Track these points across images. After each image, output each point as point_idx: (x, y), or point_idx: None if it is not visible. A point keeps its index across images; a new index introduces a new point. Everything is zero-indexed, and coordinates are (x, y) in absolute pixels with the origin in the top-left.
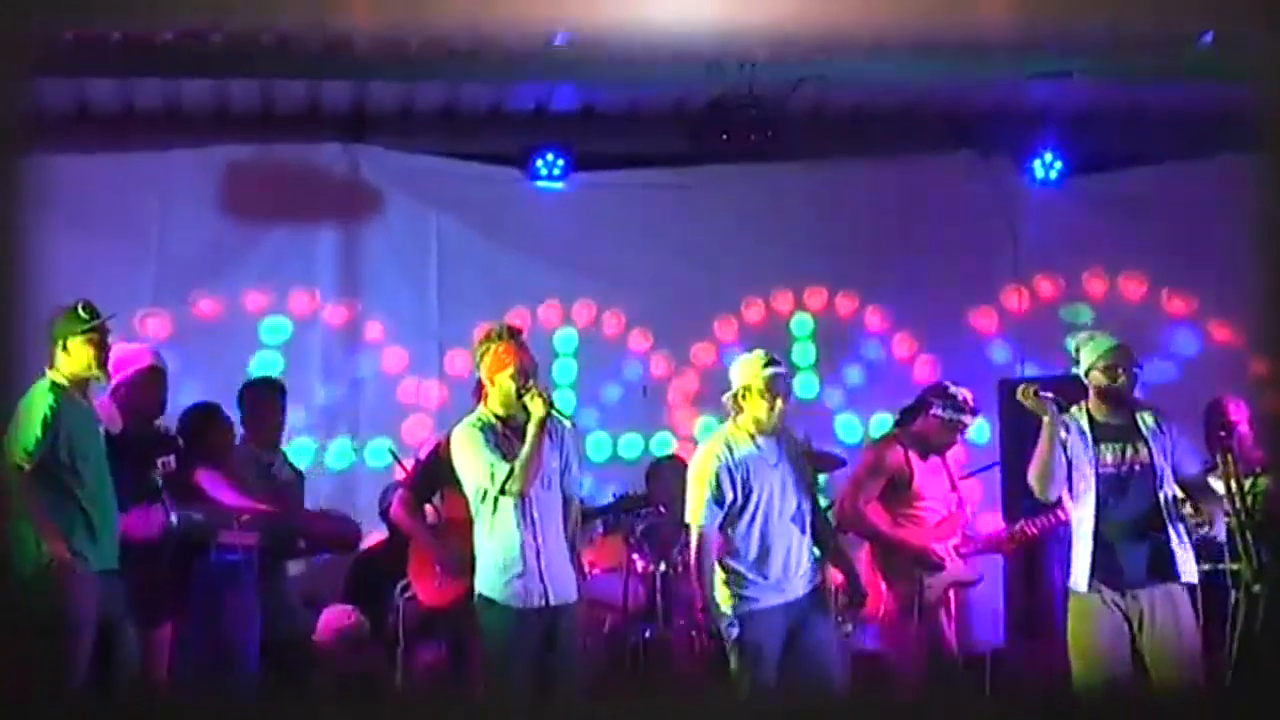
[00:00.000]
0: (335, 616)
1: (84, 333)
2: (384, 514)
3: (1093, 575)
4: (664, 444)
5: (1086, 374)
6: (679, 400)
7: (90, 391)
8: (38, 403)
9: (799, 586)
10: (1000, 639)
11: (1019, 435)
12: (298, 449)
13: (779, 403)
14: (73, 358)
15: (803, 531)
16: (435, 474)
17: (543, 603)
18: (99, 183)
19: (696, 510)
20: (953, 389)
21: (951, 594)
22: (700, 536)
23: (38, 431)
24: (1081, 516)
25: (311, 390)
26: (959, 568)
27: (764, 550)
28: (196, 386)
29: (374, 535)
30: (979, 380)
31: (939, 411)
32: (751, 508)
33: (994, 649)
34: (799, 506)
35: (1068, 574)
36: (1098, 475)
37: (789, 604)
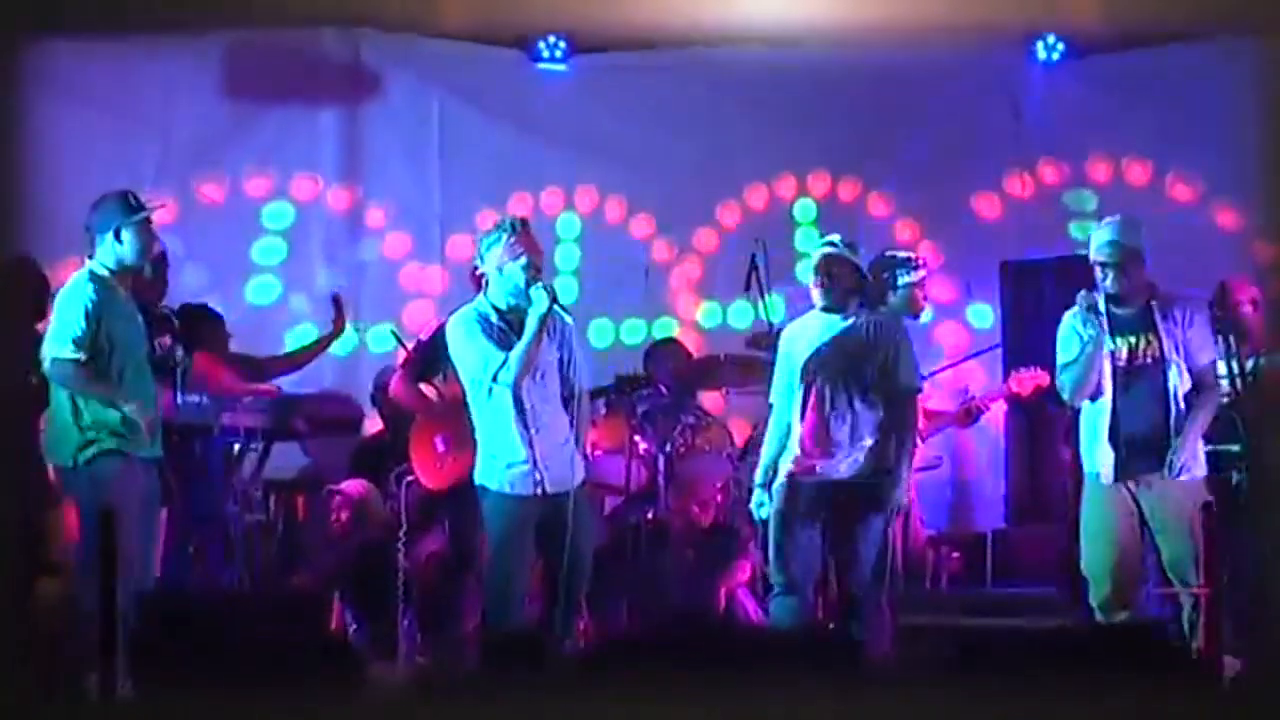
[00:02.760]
0: (352, 485)
1: (133, 223)
2: (375, 398)
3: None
4: (666, 329)
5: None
6: (681, 286)
7: (129, 282)
8: (78, 295)
9: (843, 468)
10: (1002, 522)
11: (1020, 318)
12: (300, 336)
13: (826, 279)
14: (122, 247)
15: (850, 411)
16: (437, 355)
17: (539, 491)
18: (99, 66)
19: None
20: (900, 254)
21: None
22: (772, 414)
23: (81, 323)
24: (1099, 408)
25: (314, 276)
26: (921, 453)
27: (815, 424)
28: (200, 272)
29: (375, 422)
30: (982, 267)
31: (908, 278)
32: (804, 382)
33: (995, 531)
34: (855, 387)
35: (1072, 456)
36: (1113, 368)
37: (829, 483)
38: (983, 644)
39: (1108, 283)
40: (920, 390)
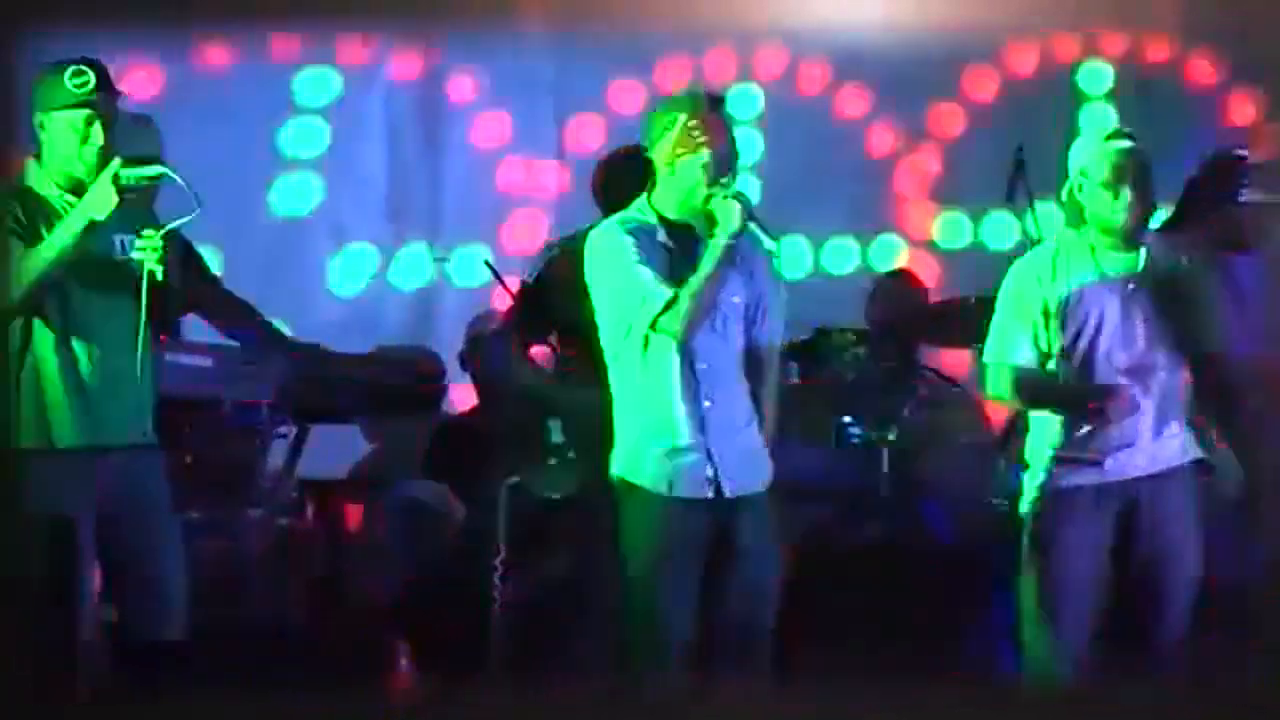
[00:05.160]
0: (420, 488)
1: (70, 106)
2: (467, 358)
3: None
4: (887, 251)
5: None
6: (911, 188)
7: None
8: None
9: (1141, 460)
10: None
11: None
12: (351, 261)
13: (1127, 194)
14: (55, 143)
15: (1154, 390)
16: (551, 300)
17: (710, 492)
18: None
19: (1000, 346)
20: (1248, 154)
21: None
22: (1007, 381)
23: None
24: None
25: (370, 175)
26: None
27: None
28: (201, 172)
29: (465, 394)
30: None
31: (1259, 196)
32: (1082, 351)
33: None
34: (1156, 358)
35: None
36: None
37: (1119, 483)
38: None
39: None
40: (1220, 353)
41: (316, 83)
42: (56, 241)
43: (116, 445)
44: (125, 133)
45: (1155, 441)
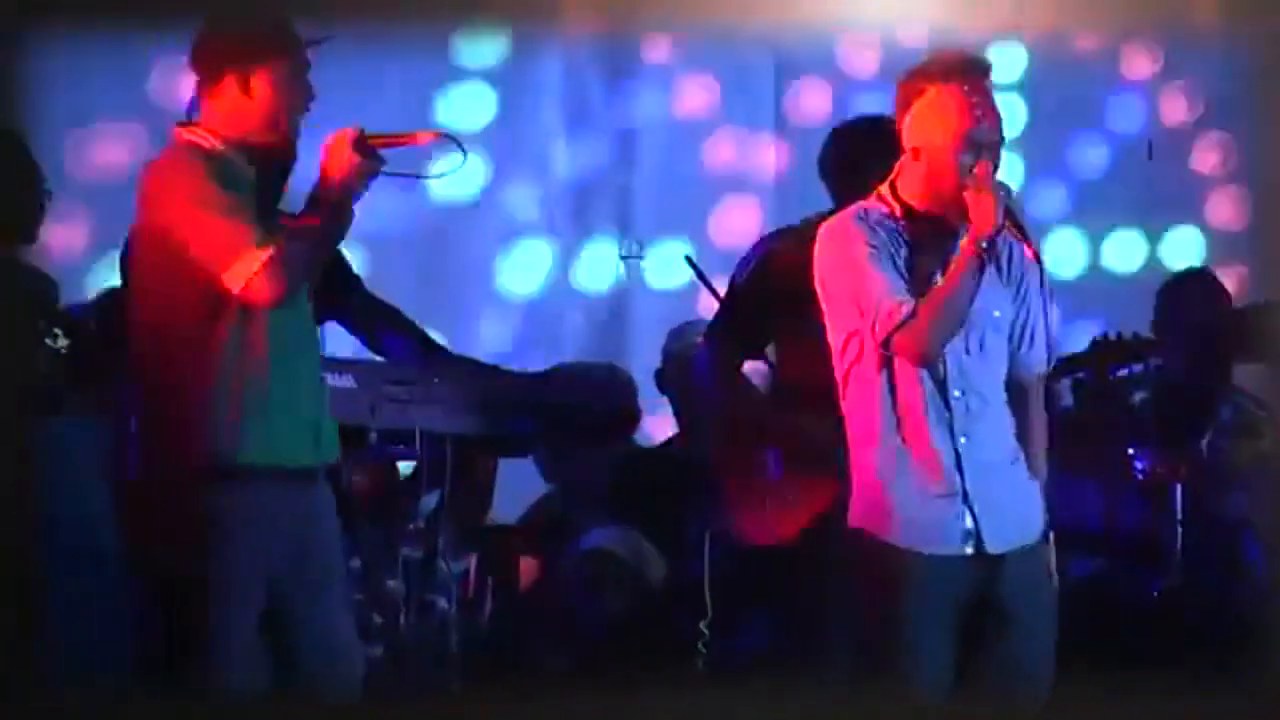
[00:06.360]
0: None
1: (285, 56)
2: (665, 377)
3: None
4: (1184, 248)
5: None
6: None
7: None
8: (181, 177)
9: None
10: None
11: None
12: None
13: None
14: (256, 101)
15: None
16: (768, 305)
17: (965, 546)
18: None
19: None
20: None
21: None
22: None
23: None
24: None
25: (546, 154)
26: None
27: None
28: None
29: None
30: None
31: None
32: None
33: None
34: None
35: None
36: None
37: None
38: None
39: None
40: None
41: (481, 46)
42: (331, 219)
43: (308, 465)
44: None
45: None
